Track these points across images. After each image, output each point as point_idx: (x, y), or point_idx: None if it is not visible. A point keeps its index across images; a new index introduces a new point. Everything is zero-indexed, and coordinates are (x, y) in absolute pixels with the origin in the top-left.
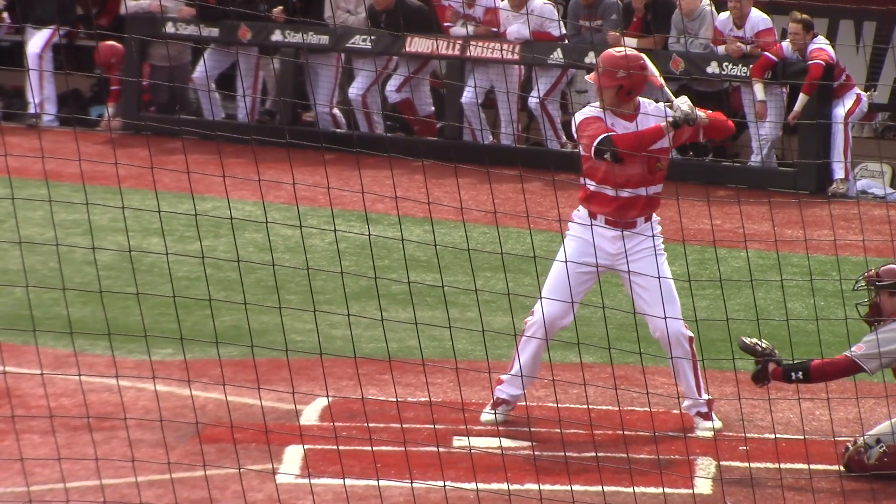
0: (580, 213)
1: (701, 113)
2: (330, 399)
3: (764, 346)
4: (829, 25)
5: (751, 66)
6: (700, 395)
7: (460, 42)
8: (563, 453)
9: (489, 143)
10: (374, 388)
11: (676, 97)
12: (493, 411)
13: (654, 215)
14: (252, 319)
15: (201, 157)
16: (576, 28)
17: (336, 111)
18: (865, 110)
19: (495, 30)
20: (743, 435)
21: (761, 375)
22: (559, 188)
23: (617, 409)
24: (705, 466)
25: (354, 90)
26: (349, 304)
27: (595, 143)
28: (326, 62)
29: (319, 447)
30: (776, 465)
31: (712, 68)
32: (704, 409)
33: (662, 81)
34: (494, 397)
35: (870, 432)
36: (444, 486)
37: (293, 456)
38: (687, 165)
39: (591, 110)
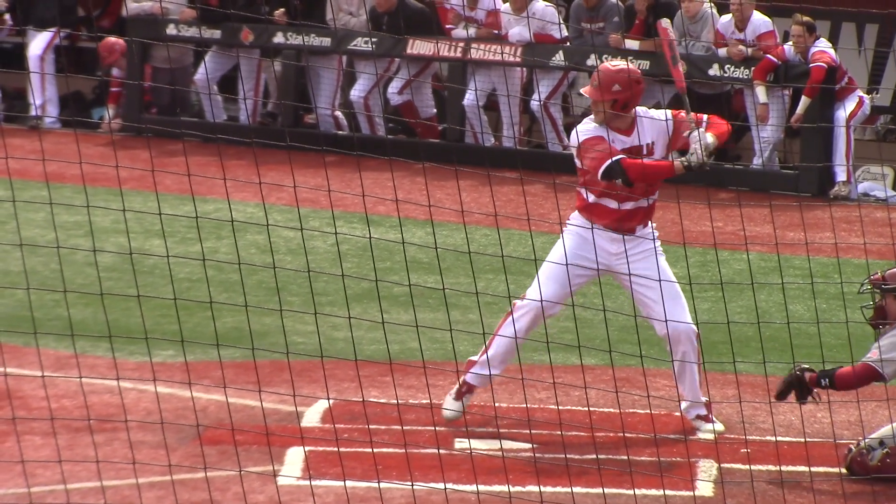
0: (578, 218)
1: (710, 138)
2: (331, 401)
3: (797, 372)
4: (830, 28)
5: (752, 68)
6: (701, 395)
7: (462, 44)
8: (564, 455)
9: (491, 146)
10: (375, 390)
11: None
12: (457, 401)
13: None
14: (253, 321)
15: (203, 159)
16: (577, 30)
17: (338, 113)
18: (868, 113)
19: (497, 32)
20: (744, 437)
21: (804, 392)
22: (561, 190)
23: (618, 411)
24: (707, 469)
25: (356, 92)
26: (351, 306)
27: (604, 167)
28: (328, 64)
29: (321, 449)
30: (777, 468)
31: (714, 71)
32: (704, 412)
33: (684, 86)
34: (460, 381)
35: (872, 435)
36: (445, 488)
37: (294, 458)
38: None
39: (592, 128)
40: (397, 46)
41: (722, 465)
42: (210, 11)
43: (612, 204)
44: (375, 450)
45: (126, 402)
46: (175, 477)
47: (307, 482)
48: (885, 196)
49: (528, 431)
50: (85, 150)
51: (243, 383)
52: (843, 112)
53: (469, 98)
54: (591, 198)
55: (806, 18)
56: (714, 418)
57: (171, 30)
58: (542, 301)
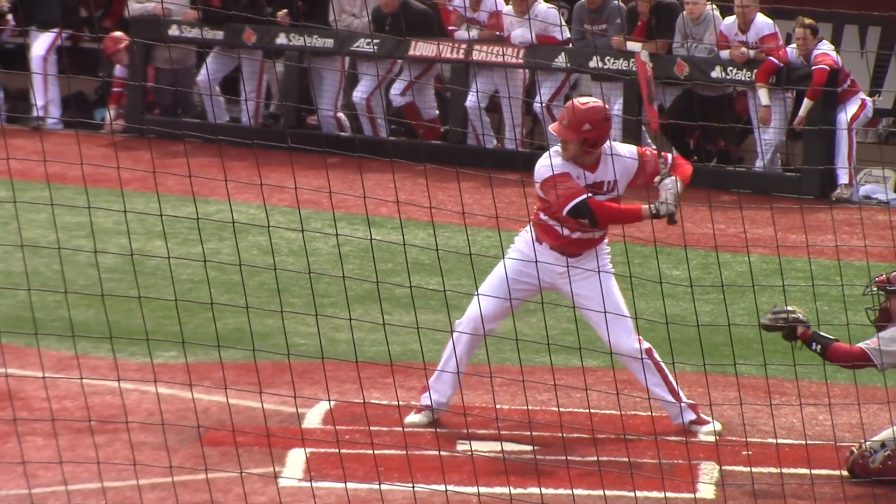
0: (526, 234)
1: (679, 186)
2: (332, 402)
3: (790, 311)
4: (833, 30)
5: (755, 70)
6: (680, 400)
7: (464, 46)
8: (565, 457)
9: (493, 147)
10: (376, 391)
11: (655, 139)
12: (417, 414)
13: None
14: (255, 322)
15: (205, 161)
16: (580, 32)
17: (340, 115)
18: (870, 116)
19: (499, 34)
20: (745, 440)
21: (790, 335)
22: None
23: (619, 413)
24: (708, 471)
25: (359, 94)
26: (354, 308)
27: (571, 205)
28: (331, 66)
29: (322, 451)
30: (778, 470)
31: (716, 73)
32: (692, 416)
33: (657, 126)
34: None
35: (874, 437)
36: (446, 489)
37: (296, 459)
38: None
39: (559, 163)
40: (400, 48)
41: (723, 468)
42: (212, 12)
43: (564, 231)
44: (377, 451)
45: (127, 404)
46: (176, 478)
47: (308, 484)
48: (886, 199)
49: (529, 433)
50: (87, 151)
51: (245, 384)
52: (845, 115)
53: (471, 99)
54: (544, 217)
55: (809, 21)
56: (706, 417)
57: (173, 31)
58: (481, 312)
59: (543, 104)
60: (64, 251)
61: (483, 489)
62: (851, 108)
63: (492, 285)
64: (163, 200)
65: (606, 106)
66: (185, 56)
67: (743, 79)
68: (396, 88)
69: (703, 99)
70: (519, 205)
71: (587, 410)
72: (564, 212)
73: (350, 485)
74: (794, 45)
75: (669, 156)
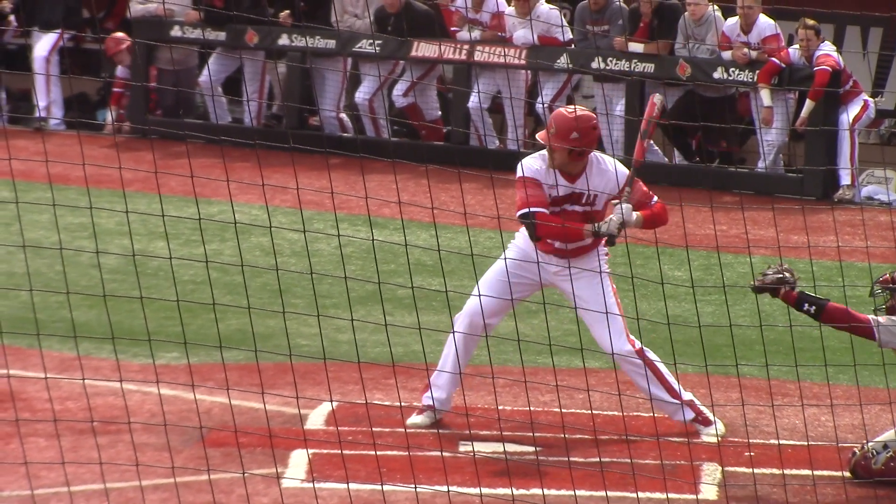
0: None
1: (633, 217)
2: (335, 403)
3: (782, 274)
4: (835, 31)
5: (757, 71)
6: (679, 398)
7: (467, 47)
8: (567, 458)
9: (495, 148)
10: (379, 392)
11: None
12: (419, 415)
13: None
14: (258, 323)
15: (208, 161)
16: (582, 33)
17: (343, 115)
18: (872, 116)
19: (502, 34)
20: (747, 441)
21: (773, 295)
22: None
23: (621, 414)
24: (710, 472)
25: (361, 94)
26: (356, 309)
27: (522, 211)
28: (333, 66)
29: (325, 452)
30: (781, 472)
31: (718, 74)
32: (691, 414)
33: (642, 160)
34: (422, 404)
35: (877, 438)
36: (448, 490)
37: (298, 460)
38: (693, 171)
39: (536, 168)
40: (402, 49)
41: (725, 469)
42: (215, 13)
43: (554, 243)
44: (379, 452)
45: (130, 405)
46: (179, 479)
47: (311, 485)
48: (888, 200)
49: (531, 434)
50: (89, 151)
51: (247, 385)
52: (847, 116)
53: (474, 100)
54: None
55: (812, 22)
56: (711, 417)
57: (175, 31)
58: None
59: (546, 105)
60: (66, 252)
61: (485, 490)
62: (853, 109)
63: (488, 281)
64: (165, 201)
65: (594, 115)
66: (188, 57)
67: (745, 80)
68: (399, 89)
69: (705, 100)
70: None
71: (589, 411)
72: (517, 214)
73: (352, 486)
74: (796, 46)
75: (655, 197)
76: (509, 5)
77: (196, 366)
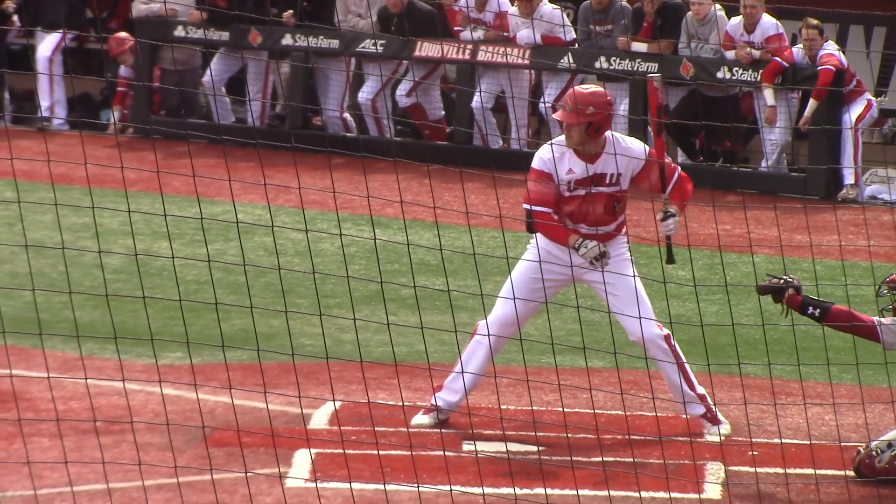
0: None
1: (673, 223)
2: (338, 403)
3: (786, 278)
4: (838, 31)
5: (761, 71)
6: (694, 389)
7: (470, 46)
8: (570, 458)
9: (498, 148)
10: (382, 392)
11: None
12: (425, 415)
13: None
14: (262, 323)
15: (212, 161)
16: (585, 33)
17: (346, 115)
18: (875, 116)
19: (505, 34)
20: (750, 440)
21: (777, 297)
22: None
23: (625, 413)
24: (714, 471)
25: (364, 94)
26: (359, 309)
27: (526, 205)
28: (336, 66)
29: (328, 451)
30: (784, 471)
31: (722, 73)
32: (701, 409)
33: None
34: (429, 403)
35: (881, 437)
36: (451, 490)
37: (302, 460)
38: (697, 170)
39: (548, 159)
40: (406, 48)
41: (729, 468)
42: (218, 13)
43: (568, 224)
44: (382, 452)
45: (133, 404)
46: (182, 479)
47: (314, 484)
48: (891, 199)
49: (534, 434)
50: (93, 152)
51: (250, 385)
52: (850, 115)
53: (477, 100)
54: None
55: (815, 22)
56: (720, 416)
57: (179, 31)
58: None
59: (549, 105)
60: (69, 252)
61: (488, 490)
62: (857, 109)
63: (519, 284)
64: (168, 201)
65: (609, 92)
66: (191, 57)
67: (748, 79)
68: (402, 89)
69: (708, 99)
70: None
71: (593, 411)
72: (523, 205)
73: (356, 485)
74: (799, 46)
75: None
76: (512, 5)
77: (199, 366)
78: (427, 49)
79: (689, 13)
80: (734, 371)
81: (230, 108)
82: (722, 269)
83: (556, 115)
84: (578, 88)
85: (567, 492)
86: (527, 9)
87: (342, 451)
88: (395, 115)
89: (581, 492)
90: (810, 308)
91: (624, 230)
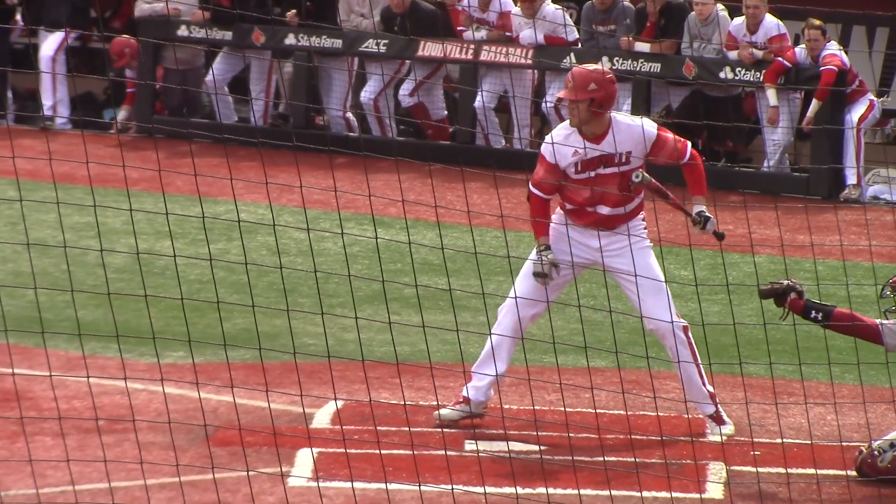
0: (559, 217)
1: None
2: (340, 402)
3: (788, 281)
4: (841, 31)
5: (763, 71)
6: (705, 385)
7: (473, 46)
8: (571, 457)
9: (501, 147)
10: (385, 391)
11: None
12: (454, 408)
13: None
14: (265, 323)
15: (215, 161)
16: (588, 33)
17: (349, 115)
18: (878, 116)
19: (508, 34)
20: (752, 440)
21: (779, 301)
22: None
23: (626, 413)
24: (716, 471)
25: (366, 94)
26: (362, 308)
27: (530, 186)
28: (339, 66)
29: (330, 450)
30: (785, 471)
31: (725, 73)
32: (711, 409)
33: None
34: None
35: (883, 437)
36: (453, 489)
37: (304, 459)
38: None
39: (551, 144)
40: (409, 48)
41: (731, 468)
42: (221, 13)
43: (592, 209)
44: (385, 451)
45: (136, 404)
46: (184, 478)
47: (316, 483)
48: (894, 199)
49: (536, 433)
50: (96, 151)
51: (253, 384)
52: (853, 115)
53: (480, 100)
54: (569, 205)
55: (818, 22)
56: (725, 417)
57: (182, 31)
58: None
59: (551, 105)
60: (72, 251)
61: (490, 489)
62: (859, 109)
63: (528, 269)
64: (171, 201)
65: (610, 70)
66: (195, 56)
67: (751, 79)
68: (405, 89)
69: (711, 99)
70: (527, 205)
71: (594, 411)
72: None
73: (358, 484)
74: (802, 46)
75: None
76: (515, 5)
77: (202, 365)
78: (430, 49)
79: (692, 13)
80: (736, 371)
81: (233, 107)
82: (724, 269)
83: (560, 95)
84: (580, 67)
85: (569, 491)
86: (530, 9)
87: (344, 451)
88: (397, 115)
89: (583, 491)
90: (813, 312)
91: (642, 214)
